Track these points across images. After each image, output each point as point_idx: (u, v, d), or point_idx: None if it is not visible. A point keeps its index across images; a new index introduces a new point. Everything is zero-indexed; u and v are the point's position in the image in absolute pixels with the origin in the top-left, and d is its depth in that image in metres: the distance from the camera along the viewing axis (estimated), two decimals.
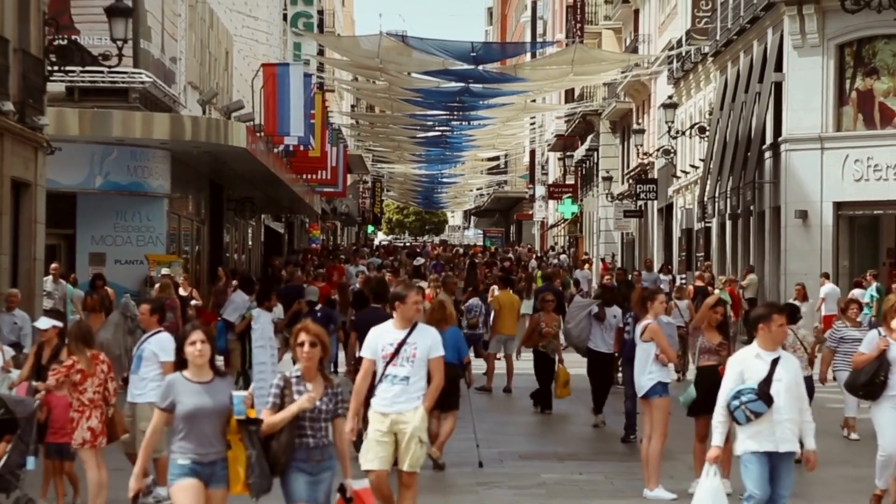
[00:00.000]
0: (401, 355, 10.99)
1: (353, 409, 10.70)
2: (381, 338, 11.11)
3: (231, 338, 21.71)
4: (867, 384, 12.85)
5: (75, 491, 13.23)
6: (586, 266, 53.72)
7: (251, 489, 9.05)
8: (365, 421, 11.38)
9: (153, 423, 9.24)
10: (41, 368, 13.58)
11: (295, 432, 9.11)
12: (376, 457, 10.98)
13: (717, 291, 28.91)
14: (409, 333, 11.06)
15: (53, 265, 28.09)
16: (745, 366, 10.40)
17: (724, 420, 10.37)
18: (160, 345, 13.34)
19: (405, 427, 10.99)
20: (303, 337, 9.30)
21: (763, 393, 10.25)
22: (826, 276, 31.56)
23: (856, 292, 28.71)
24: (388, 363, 11.01)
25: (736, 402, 10.28)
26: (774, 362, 10.35)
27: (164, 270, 28.61)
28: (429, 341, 11.14)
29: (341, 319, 25.83)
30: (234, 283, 27.06)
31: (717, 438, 10.42)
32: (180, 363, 9.23)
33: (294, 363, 9.52)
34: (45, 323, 13.88)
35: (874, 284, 29.20)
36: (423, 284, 26.85)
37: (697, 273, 37.46)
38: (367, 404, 11.25)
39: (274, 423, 9.07)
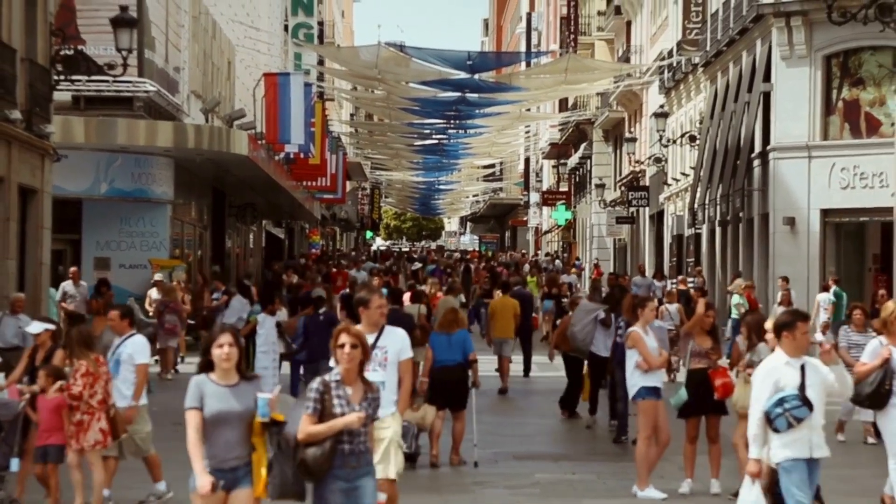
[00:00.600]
0: (372, 360, 10.41)
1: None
2: None
3: None
4: (873, 394, 12.61)
5: (49, 492, 12.88)
6: (573, 271, 53.79)
7: (268, 490, 8.67)
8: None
9: (194, 424, 8.71)
10: (34, 370, 13.45)
11: (335, 437, 8.67)
12: None
13: (735, 296, 28.87)
14: (377, 338, 10.71)
15: (73, 269, 28.31)
16: (779, 374, 10.08)
17: (760, 431, 10.04)
18: (136, 347, 13.21)
19: (384, 433, 10.60)
20: (344, 338, 8.83)
21: (805, 399, 9.99)
22: (785, 279, 31.76)
23: (821, 296, 28.76)
24: None
25: (779, 410, 9.96)
26: (802, 368, 10.11)
27: (158, 276, 28.56)
28: (399, 344, 10.82)
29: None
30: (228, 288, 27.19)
31: (755, 451, 10.08)
32: (206, 365, 8.79)
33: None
34: (37, 327, 13.81)
35: (833, 288, 29.22)
36: (424, 288, 26.88)
37: (680, 277, 37.49)
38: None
39: (315, 433, 8.60)
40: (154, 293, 27.18)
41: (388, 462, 10.64)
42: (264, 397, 8.64)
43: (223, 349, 8.71)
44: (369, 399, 8.82)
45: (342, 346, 8.79)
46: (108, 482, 13.14)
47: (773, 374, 10.12)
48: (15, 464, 12.64)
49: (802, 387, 10.04)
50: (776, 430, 10.00)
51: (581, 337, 19.87)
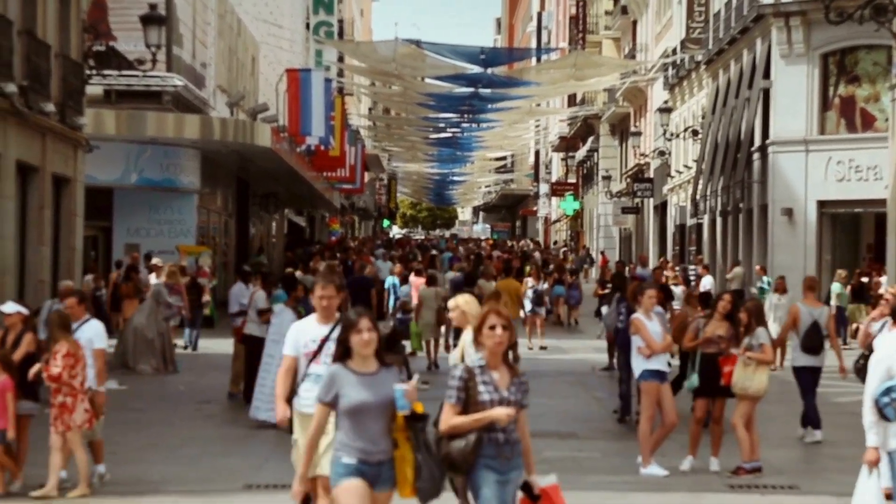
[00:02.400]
0: (324, 352, 9.43)
1: (278, 411, 9.59)
2: (303, 333, 9.63)
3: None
4: (860, 369, 12.61)
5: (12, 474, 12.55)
6: (570, 259, 53.95)
7: (419, 494, 7.62)
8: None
9: (317, 420, 7.75)
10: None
11: (483, 428, 7.66)
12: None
13: (836, 285, 28.70)
14: (332, 329, 9.51)
15: (134, 254, 28.49)
16: (892, 361, 9.30)
17: (875, 419, 9.25)
18: (95, 332, 12.71)
19: (329, 428, 9.43)
20: (493, 320, 7.72)
21: None
22: (706, 267, 31.87)
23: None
24: (310, 361, 9.52)
25: (886, 399, 9.19)
26: None
27: (155, 260, 28.47)
28: None
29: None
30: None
31: (871, 439, 9.28)
32: (343, 353, 7.79)
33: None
34: (10, 308, 13.18)
35: (764, 278, 29.14)
36: (439, 276, 26.79)
37: (662, 259, 37.48)
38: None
39: (459, 425, 7.60)
40: (153, 278, 26.84)
41: (326, 459, 9.38)
42: (401, 388, 7.66)
43: (363, 335, 7.72)
44: (517, 384, 7.77)
45: (493, 327, 7.72)
46: (100, 460, 12.83)
47: (885, 361, 9.35)
48: None
49: None
50: (886, 419, 9.28)
51: (609, 322, 19.96)
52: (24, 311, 12.95)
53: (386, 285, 27.90)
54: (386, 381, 7.69)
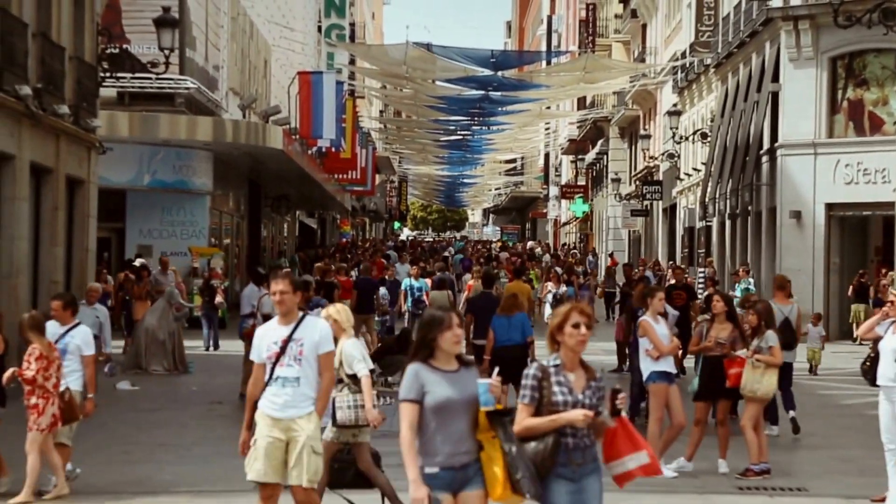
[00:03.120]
0: (287, 354, 9.17)
1: (246, 420, 9.31)
2: (265, 337, 9.30)
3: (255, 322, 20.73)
4: (867, 370, 12.53)
5: None
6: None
7: (520, 488, 7.02)
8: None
9: (409, 420, 7.16)
10: None
11: (557, 431, 7.16)
12: (268, 467, 9.13)
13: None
14: (294, 329, 9.23)
15: (162, 257, 28.44)
16: None
17: None
18: (84, 338, 12.59)
19: (298, 434, 9.13)
20: (577, 317, 7.21)
21: None
22: (680, 267, 31.95)
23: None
24: (274, 364, 9.19)
25: None
26: None
27: (139, 261, 28.55)
28: (316, 336, 9.25)
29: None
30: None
31: None
32: (429, 353, 7.29)
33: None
34: None
35: (743, 279, 29.15)
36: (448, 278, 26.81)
37: (661, 262, 37.38)
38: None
39: (535, 427, 7.10)
40: (168, 279, 26.78)
41: (301, 468, 9.16)
42: (484, 383, 7.21)
43: (455, 331, 7.26)
44: (593, 387, 7.27)
45: (577, 325, 7.21)
46: (66, 460, 12.58)
47: None
48: None
49: None
50: None
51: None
52: None
53: (403, 286, 28.23)
54: (469, 379, 7.27)
